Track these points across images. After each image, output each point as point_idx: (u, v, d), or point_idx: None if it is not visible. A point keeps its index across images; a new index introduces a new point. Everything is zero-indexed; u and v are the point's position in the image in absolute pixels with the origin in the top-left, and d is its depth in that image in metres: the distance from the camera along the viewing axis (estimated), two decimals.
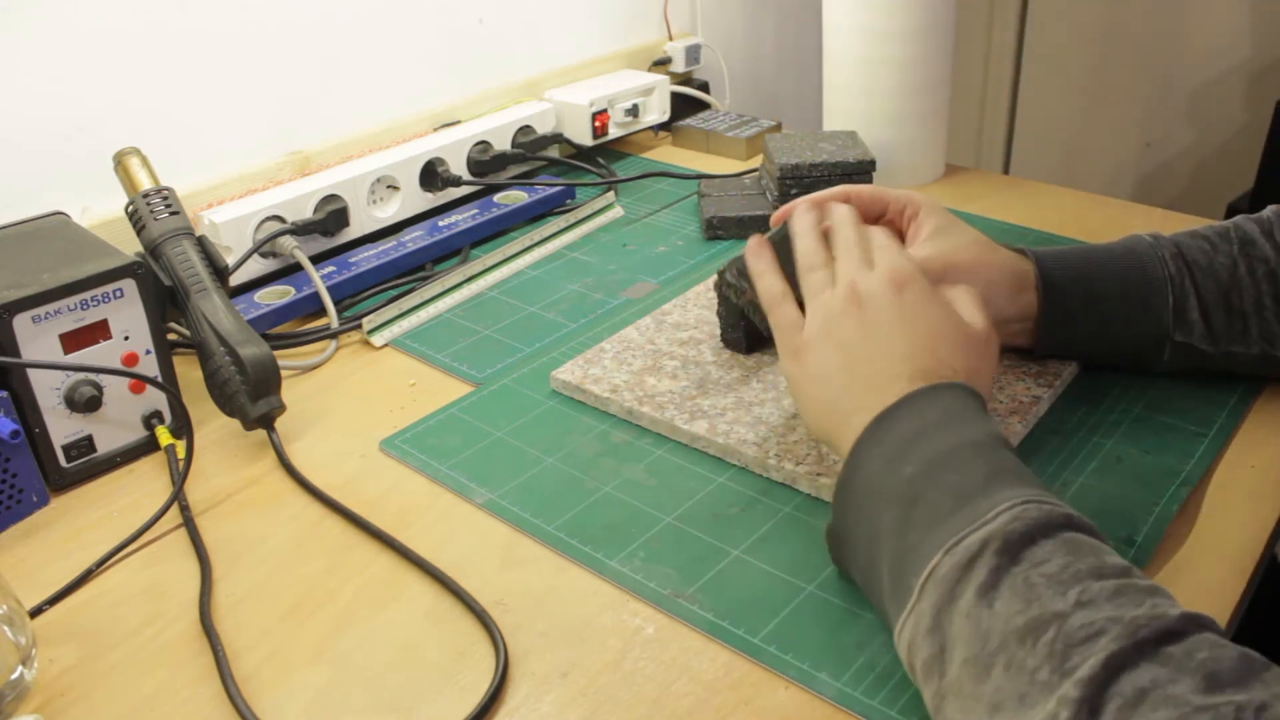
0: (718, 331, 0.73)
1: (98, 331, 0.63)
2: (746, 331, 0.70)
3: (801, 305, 0.57)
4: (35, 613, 0.55)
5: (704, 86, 1.30)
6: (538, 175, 1.05)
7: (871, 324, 0.53)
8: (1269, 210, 0.65)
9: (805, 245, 0.59)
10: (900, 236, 0.65)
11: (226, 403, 0.66)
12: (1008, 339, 0.67)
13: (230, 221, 0.82)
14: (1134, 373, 0.67)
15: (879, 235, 0.58)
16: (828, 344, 0.54)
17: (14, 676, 0.48)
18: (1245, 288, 0.62)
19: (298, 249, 0.83)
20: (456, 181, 0.96)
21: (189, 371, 0.71)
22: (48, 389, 0.62)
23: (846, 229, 0.58)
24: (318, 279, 0.82)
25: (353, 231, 0.90)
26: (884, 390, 0.50)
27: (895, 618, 0.44)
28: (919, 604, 0.42)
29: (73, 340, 0.62)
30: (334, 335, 0.79)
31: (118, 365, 0.64)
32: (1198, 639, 0.36)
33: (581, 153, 1.12)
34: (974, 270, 0.62)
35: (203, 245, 0.70)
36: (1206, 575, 0.53)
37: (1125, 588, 0.38)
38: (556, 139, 1.07)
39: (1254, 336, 0.63)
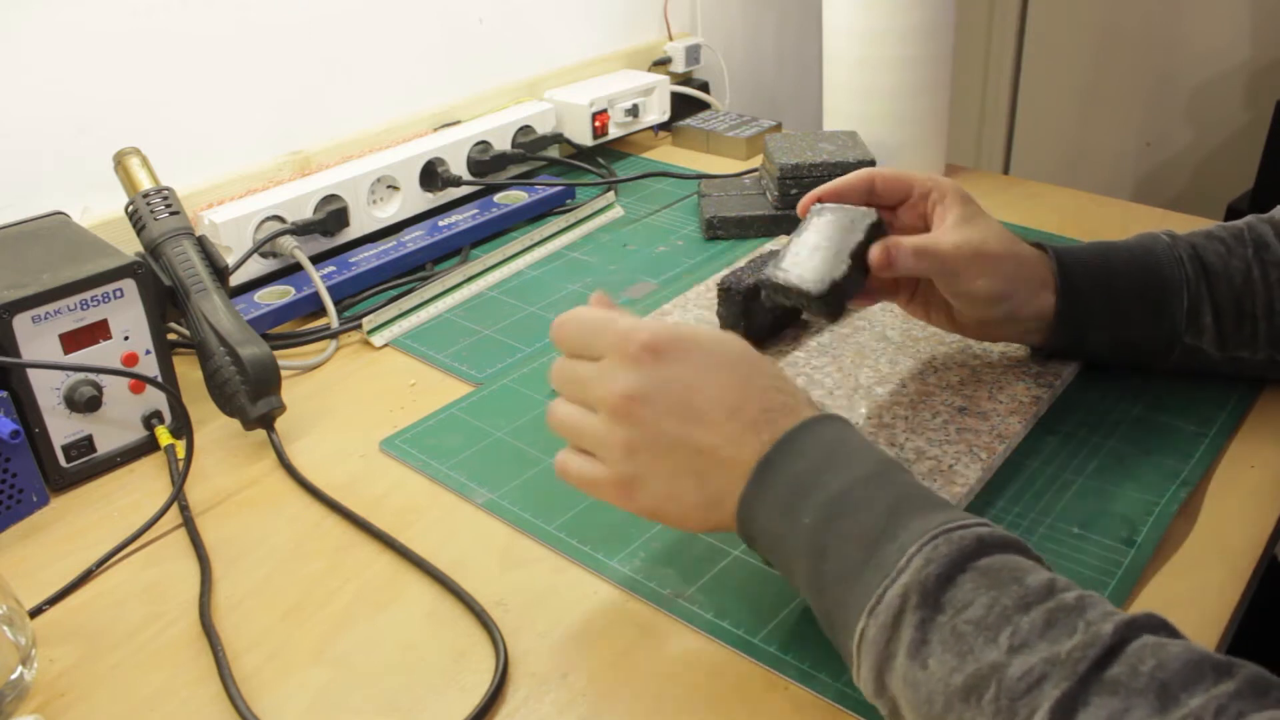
0: None
1: (98, 331, 0.63)
2: (745, 331, 0.70)
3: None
4: (35, 613, 0.55)
5: (704, 86, 1.30)
6: (538, 175, 1.05)
7: (666, 409, 0.46)
8: None
9: (550, 409, 0.51)
10: (924, 220, 0.63)
11: (226, 403, 0.66)
12: (1019, 337, 0.66)
13: (230, 221, 0.82)
14: (1134, 373, 0.67)
15: (584, 323, 0.50)
16: (643, 460, 0.47)
17: (14, 676, 0.48)
18: (1258, 292, 0.62)
19: (298, 249, 0.83)
20: (456, 181, 0.96)
21: (189, 371, 0.71)
22: (48, 389, 0.62)
23: (562, 342, 0.51)
24: (318, 279, 0.82)
25: (353, 231, 0.90)
26: (739, 456, 0.46)
27: (850, 670, 0.43)
28: (860, 668, 0.41)
29: (73, 340, 0.62)
30: (334, 335, 0.79)
31: (118, 365, 0.64)
32: (1137, 647, 0.35)
33: (581, 153, 1.12)
34: (1000, 262, 0.61)
35: (203, 245, 0.70)
36: (1206, 575, 0.53)
37: (1054, 615, 0.37)
38: (556, 139, 1.07)
39: (1262, 342, 0.62)
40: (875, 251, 0.58)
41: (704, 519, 0.48)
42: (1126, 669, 0.35)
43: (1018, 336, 0.66)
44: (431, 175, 0.95)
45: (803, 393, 0.49)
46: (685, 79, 1.29)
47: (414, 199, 0.95)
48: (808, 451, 0.45)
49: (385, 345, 0.79)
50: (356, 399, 0.72)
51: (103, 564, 0.58)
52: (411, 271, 0.89)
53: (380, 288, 0.87)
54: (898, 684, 0.40)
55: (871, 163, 0.90)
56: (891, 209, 0.64)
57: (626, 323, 0.48)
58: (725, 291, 0.71)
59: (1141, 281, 0.62)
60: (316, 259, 0.87)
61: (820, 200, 0.63)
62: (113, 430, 0.65)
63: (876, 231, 0.59)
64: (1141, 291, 0.62)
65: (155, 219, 0.70)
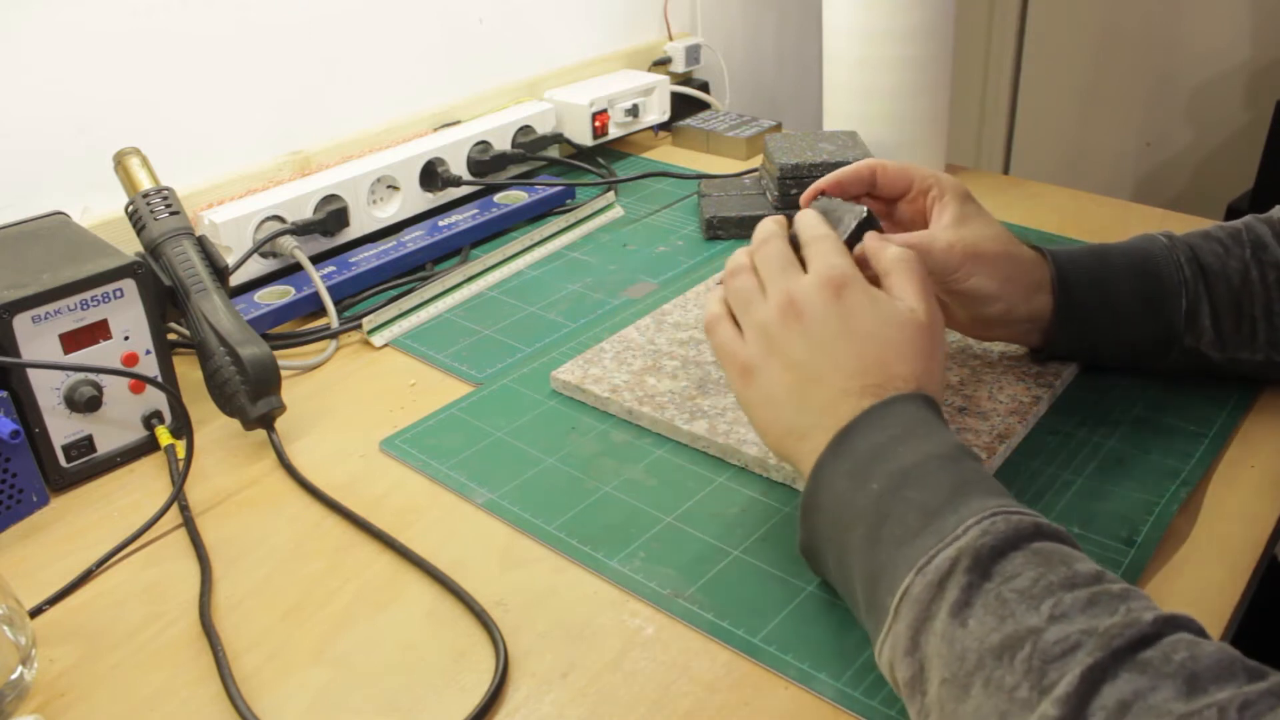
0: None
1: (98, 331, 0.63)
2: None
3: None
4: (35, 613, 0.54)
5: (704, 86, 1.30)
6: (538, 175, 1.05)
7: (816, 338, 0.51)
8: (1279, 210, 0.65)
9: (734, 259, 0.57)
10: (923, 216, 0.63)
11: (226, 403, 0.66)
12: (1015, 338, 0.66)
13: (230, 221, 0.82)
14: (1133, 373, 0.67)
15: (812, 228, 0.56)
16: (773, 364, 0.52)
17: (14, 676, 0.48)
18: (1256, 293, 0.61)
19: (298, 249, 0.83)
20: (456, 181, 0.96)
21: (189, 371, 0.71)
22: (48, 389, 0.62)
23: (772, 240, 0.56)
24: (318, 279, 0.82)
25: (353, 231, 0.90)
26: (838, 408, 0.49)
27: (874, 636, 0.44)
28: (895, 625, 0.42)
29: (73, 340, 0.62)
30: (334, 335, 0.79)
31: (118, 365, 0.64)
32: (1173, 640, 0.36)
33: (581, 153, 1.12)
34: (996, 263, 0.61)
35: (203, 245, 0.70)
36: (1206, 575, 0.53)
37: (1098, 596, 0.38)
38: (556, 139, 1.07)
39: (1261, 342, 0.62)
40: (862, 246, 0.58)
41: (780, 442, 0.52)
42: (1159, 655, 0.35)
43: (1015, 337, 0.66)
44: (431, 175, 0.95)
45: (912, 372, 0.50)
46: (685, 79, 1.29)
47: (414, 199, 0.95)
48: (889, 424, 0.48)
49: (385, 345, 0.79)
50: (356, 399, 0.72)
51: (102, 564, 0.58)
52: (411, 271, 0.89)
53: (380, 288, 0.87)
54: (933, 641, 0.40)
55: None
56: (892, 202, 0.64)
57: (837, 255, 0.53)
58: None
59: (1139, 284, 0.63)
60: (316, 259, 0.87)
61: (822, 192, 0.63)
62: (113, 430, 0.65)
63: (867, 226, 0.59)
64: (1139, 293, 0.63)
65: (155, 219, 0.70)
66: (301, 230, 0.86)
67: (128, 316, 0.64)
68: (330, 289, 0.82)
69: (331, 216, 0.88)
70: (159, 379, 0.66)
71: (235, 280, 0.80)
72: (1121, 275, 0.63)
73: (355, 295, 0.86)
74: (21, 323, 0.60)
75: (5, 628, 0.49)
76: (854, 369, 0.50)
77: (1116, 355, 0.66)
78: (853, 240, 0.58)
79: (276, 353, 0.68)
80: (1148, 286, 0.62)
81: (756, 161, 1.11)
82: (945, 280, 0.60)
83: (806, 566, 0.53)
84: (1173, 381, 0.67)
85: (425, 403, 0.71)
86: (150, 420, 0.67)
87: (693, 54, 1.28)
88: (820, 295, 0.51)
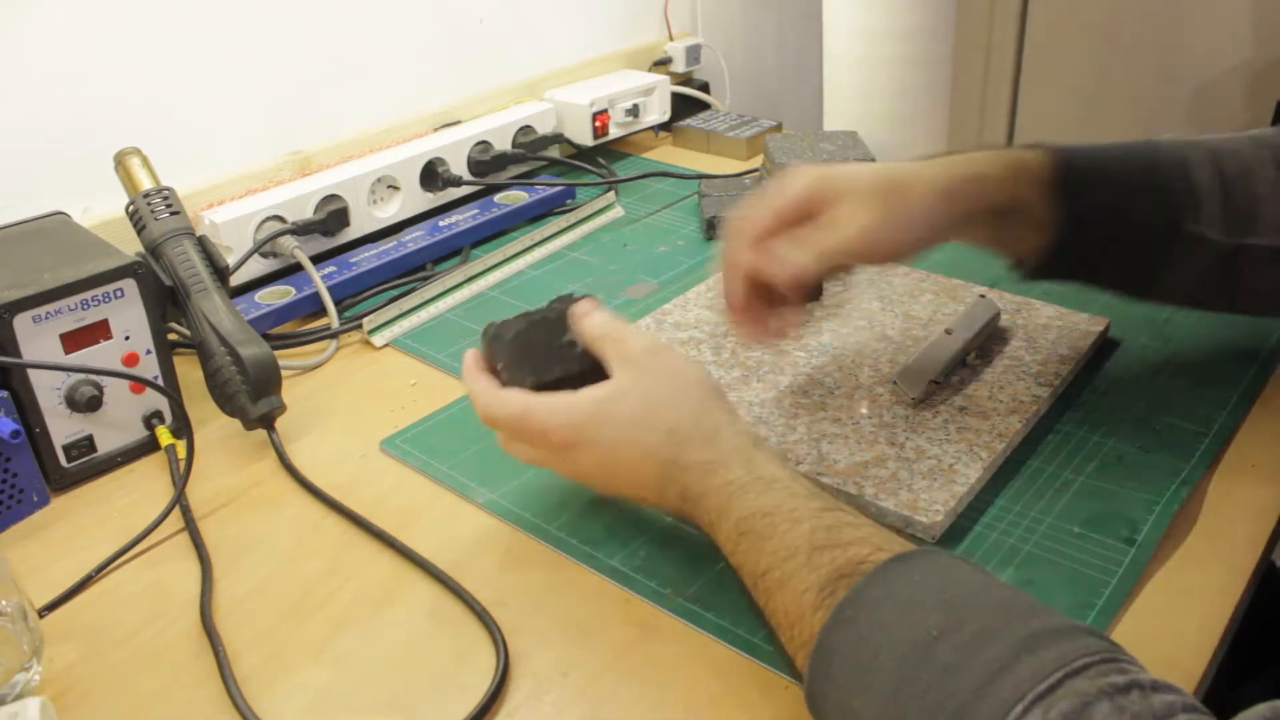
0: (718, 331, 0.73)
1: (98, 331, 0.63)
2: (535, 382, 0.61)
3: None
4: (41, 613, 0.54)
5: (704, 87, 1.30)
6: (538, 175, 1.05)
7: (600, 477, 0.54)
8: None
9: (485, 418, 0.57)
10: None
11: (227, 403, 0.66)
12: (1019, 240, 0.61)
13: (230, 221, 0.82)
14: (1136, 371, 0.67)
15: (503, 422, 0.55)
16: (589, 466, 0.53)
17: (24, 672, 0.48)
18: (1259, 171, 0.59)
19: (298, 249, 0.83)
20: (457, 181, 0.97)
21: (190, 371, 0.71)
22: (48, 389, 0.62)
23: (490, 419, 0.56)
24: (318, 279, 0.82)
25: (353, 231, 0.90)
26: (667, 505, 0.52)
27: None
28: None
29: (73, 340, 0.62)
30: (334, 335, 0.79)
31: (118, 365, 0.64)
32: None
33: (582, 153, 1.12)
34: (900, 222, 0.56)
35: (203, 245, 0.70)
36: (1206, 575, 0.53)
37: None
38: (557, 139, 1.07)
39: (1267, 224, 0.59)
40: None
41: (661, 489, 0.52)
42: None
43: (1018, 240, 0.61)
44: (432, 175, 0.95)
45: (730, 445, 0.50)
46: (685, 79, 1.29)
47: (414, 199, 0.95)
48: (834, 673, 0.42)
49: (386, 345, 0.79)
50: (357, 399, 0.72)
51: (104, 569, 0.57)
52: (412, 271, 0.89)
53: (381, 288, 0.87)
54: None
55: (872, 162, 0.90)
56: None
57: (538, 419, 0.53)
58: (489, 338, 0.58)
59: (1138, 158, 0.60)
60: (317, 259, 0.87)
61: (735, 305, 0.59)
62: (113, 430, 0.65)
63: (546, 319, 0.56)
64: (1139, 166, 0.60)
65: (156, 219, 0.70)
66: (302, 230, 0.86)
67: (128, 316, 0.64)
68: (331, 289, 0.82)
69: (332, 216, 0.88)
70: (159, 379, 0.66)
71: (236, 280, 0.80)
72: (1118, 155, 0.61)
73: (356, 295, 0.86)
74: (22, 323, 0.60)
75: (16, 624, 0.49)
76: (646, 487, 0.52)
77: (1118, 252, 0.61)
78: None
79: (277, 353, 0.68)
80: (1146, 159, 0.60)
81: (757, 161, 1.11)
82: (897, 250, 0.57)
83: None
84: (1173, 381, 0.67)
85: (426, 403, 0.71)
86: (151, 420, 0.67)
87: (693, 54, 1.28)
88: (564, 457, 0.53)
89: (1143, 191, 0.60)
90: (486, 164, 1.00)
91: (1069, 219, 0.59)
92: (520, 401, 0.54)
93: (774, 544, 0.46)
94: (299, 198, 0.86)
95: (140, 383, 0.65)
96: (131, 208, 0.72)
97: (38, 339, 0.61)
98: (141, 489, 0.64)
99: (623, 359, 0.53)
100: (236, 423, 0.68)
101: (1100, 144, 0.61)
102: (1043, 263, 0.61)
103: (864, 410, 0.64)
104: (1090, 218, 0.59)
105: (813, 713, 0.43)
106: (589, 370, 0.54)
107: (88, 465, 0.65)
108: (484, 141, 1.00)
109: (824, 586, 0.43)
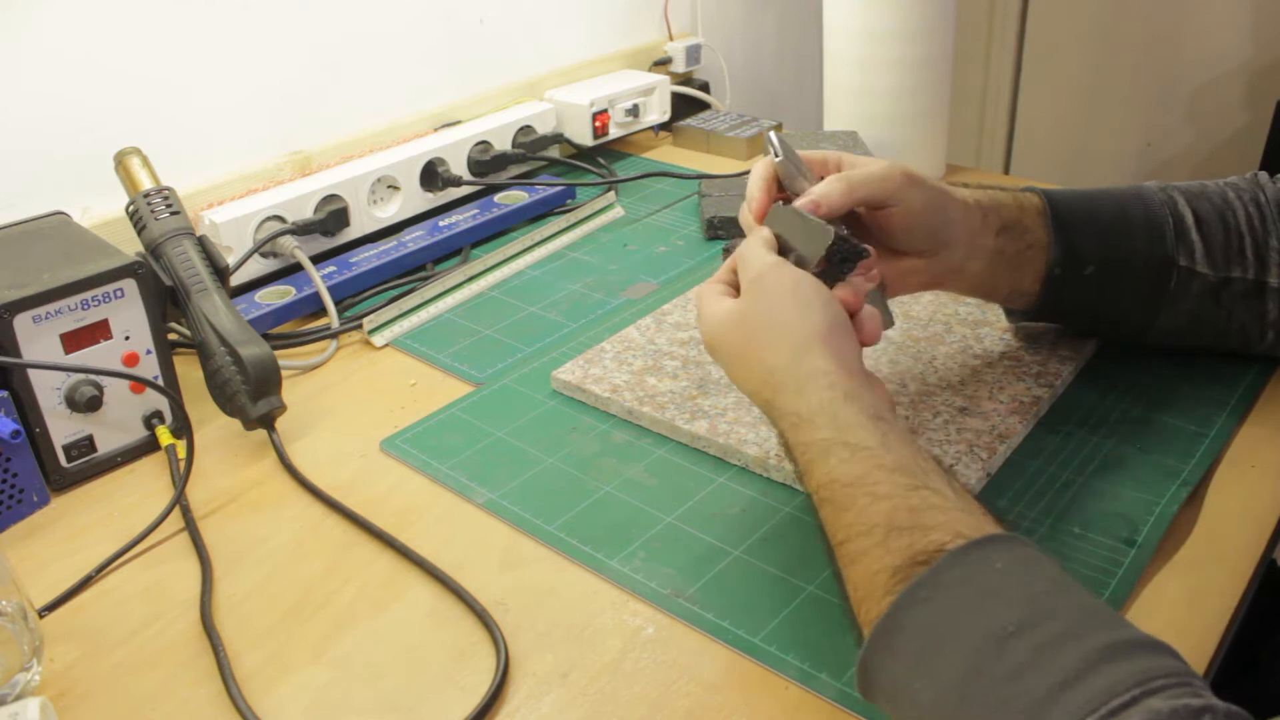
0: None
1: (98, 331, 0.63)
2: None
3: (799, 263, 0.53)
4: (42, 613, 0.54)
5: (704, 86, 1.30)
6: (538, 175, 1.05)
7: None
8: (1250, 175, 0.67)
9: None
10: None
11: (227, 402, 0.66)
12: (1017, 284, 0.64)
13: (230, 221, 0.82)
14: (1136, 371, 0.67)
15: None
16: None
17: (24, 672, 0.48)
18: (1237, 210, 0.63)
19: (298, 249, 0.83)
20: (457, 181, 0.96)
21: (190, 371, 0.71)
22: (48, 389, 0.62)
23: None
24: (318, 279, 0.82)
25: (353, 231, 0.90)
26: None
27: None
28: None
29: (73, 340, 0.62)
30: (334, 335, 0.79)
31: (118, 365, 0.64)
32: None
33: (582, 153, 1.12)
34: (938, 196, 0.59)
35: (203, 245, 0.70)
36: (1206, 575, 0.53)
37: None
38: (557, 139, 1.07)
39: (1250, 259, 0.62)
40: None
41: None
42: None
43: (1015, 285, 0.63)
44: (432, 175, 0.95)
45: (817, 400, 0.49)
46: (685, 79, 1.29)
47: (414, 199, 0.95)
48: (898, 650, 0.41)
49: (386, 345, 0.79)
50: (357, 399, 0.72)
51: (103, 569, 0.57)
52: (412, 271, 0.89)
53: (381, 288, 0.87)
54: None
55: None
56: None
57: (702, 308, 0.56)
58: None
59: (1125, 201, 0.64)
60: (317, 259, 0.87)
61: (785, 200, 0.59)
62: (113, 430, 0.65)
63: (840, 251, 0.55)
64: (1127, 206, 0.64)
65: (156, 219, 0.70)
66: (302, 230, 0.86)
67: (128, 316, 0.64)
68: (331, 289, 0.82)
69: (332, 216, 0.88)
70: (159, 379, 0.66)
71: (236, 280, 0.80)
72: (1105, 199, 0.64)
73: (356, 295, 0.86)
74: (22, 323, 0.60)
75: (16, 624, 0.49)
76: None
77: (1115, 286, 0.63)
78: (830, 275, 0.53)
79: (277, 353, 0.68)
80: (1132, 202, 0.64)
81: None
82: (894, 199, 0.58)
83: (807, 566, 0.53)
84: (1173, 381, 0.67)
85: (426, 403, 0.71)
86: (151, 420, 0.67)
87: (693, 54, 1.28)
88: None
89: (1136, 226, 0.63)
90: (486, 164, 1.00)
91: (1064, 253, 0.62)
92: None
93: (851, 516, 0.45)
94: (299, 198, 0.86)
95: (140, 383, 0.65)
96: (131, 208, 0.72)
97: (38, 339, 0.61)
98: (141, 489, 0.64)
99: (745, 284, 0.54)
100: (236, 423, 0.68)
101: (1083, 191, 0.65)
102: (1043, 299, 0.64)
103: None
104: (1083, 250, 0.62)
105: (861, 685, 0.42)
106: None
107: (88, 465, 0.65)
108: (484, 141, 1.00)
109: (897, 570, 0.42)
